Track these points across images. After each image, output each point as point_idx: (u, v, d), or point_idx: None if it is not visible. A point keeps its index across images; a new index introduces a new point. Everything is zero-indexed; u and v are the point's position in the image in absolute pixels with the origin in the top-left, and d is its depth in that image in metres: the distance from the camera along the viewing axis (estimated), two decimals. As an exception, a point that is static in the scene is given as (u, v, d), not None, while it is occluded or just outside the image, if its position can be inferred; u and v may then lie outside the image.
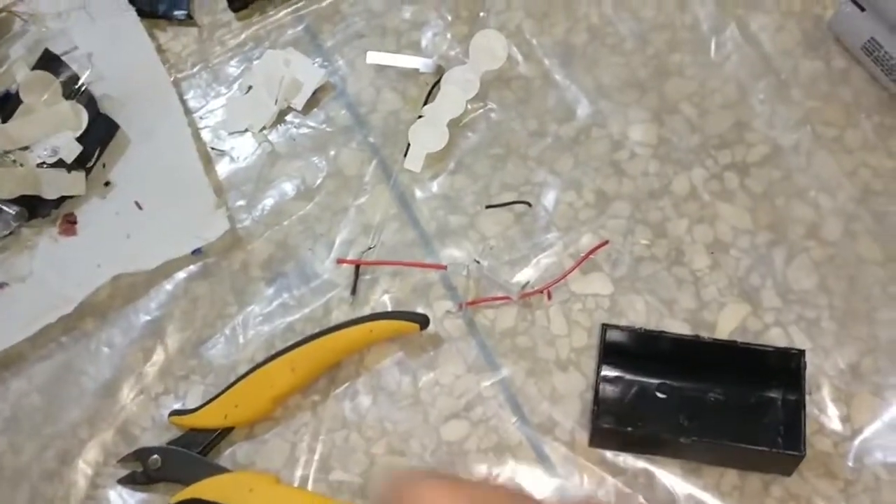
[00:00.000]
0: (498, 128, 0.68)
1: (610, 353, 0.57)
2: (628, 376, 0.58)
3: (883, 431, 0.56)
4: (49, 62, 0.72)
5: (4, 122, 0.71)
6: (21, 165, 0.70)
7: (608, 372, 0.58)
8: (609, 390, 0.57)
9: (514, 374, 0.61)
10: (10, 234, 0.70)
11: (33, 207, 0.70)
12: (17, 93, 0.72)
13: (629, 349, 0.58)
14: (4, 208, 0.69)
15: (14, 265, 0.69)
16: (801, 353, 0.55)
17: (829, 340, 0.59)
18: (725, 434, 0.55)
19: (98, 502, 0.60)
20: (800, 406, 0.54)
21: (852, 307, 0.60)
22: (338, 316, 0.64)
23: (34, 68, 0.72)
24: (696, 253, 0.63)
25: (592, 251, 0.63)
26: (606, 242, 0.63)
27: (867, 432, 0.57)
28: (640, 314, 0.61)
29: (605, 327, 0.57)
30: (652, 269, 0.63)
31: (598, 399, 0.55)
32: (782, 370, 0.56)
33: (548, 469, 0.58)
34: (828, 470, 0.56)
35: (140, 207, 0.69)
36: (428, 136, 0.67)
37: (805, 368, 0.55)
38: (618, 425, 0.55)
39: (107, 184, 0.71)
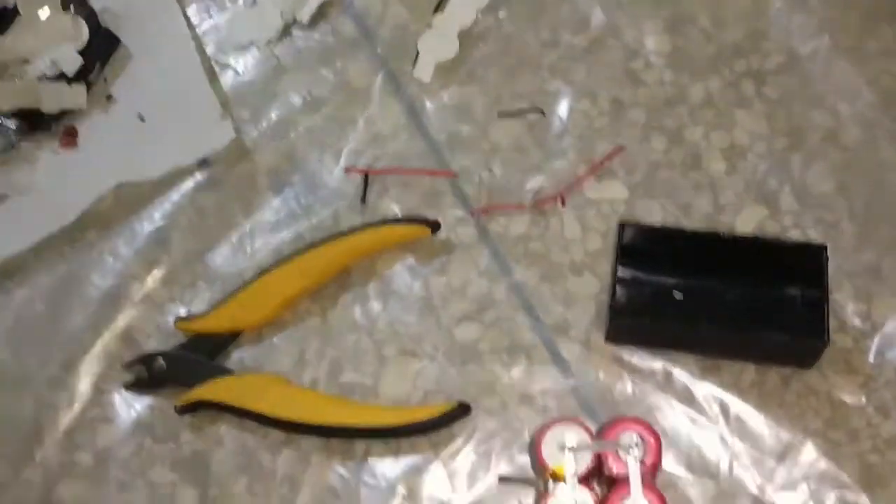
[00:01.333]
0: (509, 38, 0.67)
1: (627, 252, 0.56)
2: (646, 276, 0.57)
3: (904, 327, 0.55)
4: (49, -26, 0.71)
5: (2, 34, 0.69)
6: (20, 78, 0.68)
7: (626, 271, 0.56)
8: (627, 289, 0.56)
9: (527, 278, 0.60)
10: (11, 147, 0.68)
11: (34, 121, 0.68)
12: (14, 6, 0.70)
13: (646, 248, 0.56)
14: (4, 122, 0.68)
15: (15, 178, 0.67)
16: (823, 247, 0.54)
17: (849, 241, 0.58)
18: (746, 327, 0.53)
19: (103, 408, 0.59)
20: (821, 301, 0.53)
21: (872, 210, 0.59)
22: (346, 225, 0.63)
23: (34, -20, 0.71)
24: (713, 158, 0.62)
25: (608, 157, 0.62)
26: (622, 149, 0.62)
27: (888, 328, 0.56)
28: (656, 218, 0.60)
29: (622, 225, 0.56)
30: (668, 174, 0.62)
31: (615, 289, 0.54)
32: (802, 267, 0.55)
33: (563, 369, 0.57)
34: (848, 365, 0.55)
35: (143, 120, 0.68)
36: (438, 45, 0.66)
37: (827, 261, 0.54)
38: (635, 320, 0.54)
39: (109, 98, 0.70)
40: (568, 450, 0.48)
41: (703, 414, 0.55)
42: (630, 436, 0.48)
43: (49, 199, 0.66)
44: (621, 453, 0.48)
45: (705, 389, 0.55)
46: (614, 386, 0.56)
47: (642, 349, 0.56)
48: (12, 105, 0.68)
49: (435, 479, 0.55)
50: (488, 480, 0.54)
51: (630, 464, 0.47)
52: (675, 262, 0.56)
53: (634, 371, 0.56)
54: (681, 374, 0.56)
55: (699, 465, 0.53)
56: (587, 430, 0.49)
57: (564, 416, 0.53)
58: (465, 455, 0.55)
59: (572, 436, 0.48)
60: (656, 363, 0.56)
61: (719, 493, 0.53)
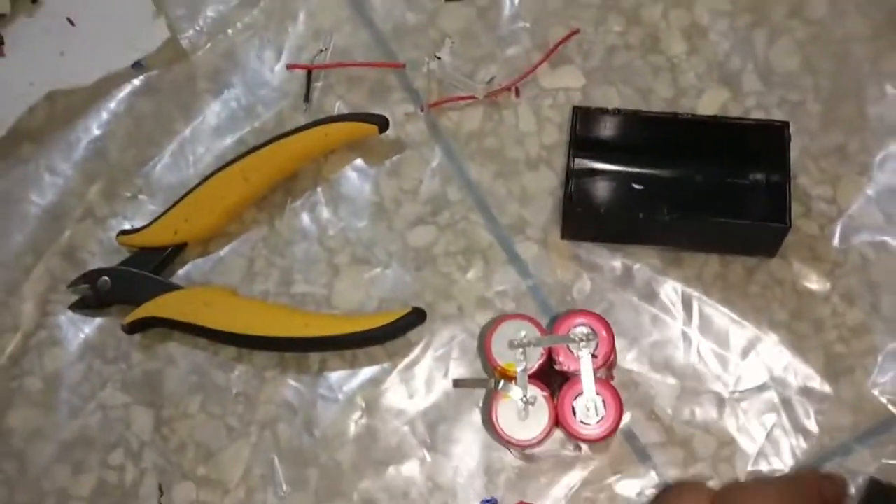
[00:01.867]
0: (455, -84, 0.63)
1: (582, 142, 0.53)
2: (603, 166, 0.54)
3: (869, 209, 0.54)
4: None
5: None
6: (-62, -17, 0.64)
7: (581, 163, 0.54)
8: (583, 182, 0.54)
9: (481, 175, 0.57)
10: (-66, 58, 0.64)
11: (-45, 29, 0.64)
12: None
13: (602, 137, 0.54)
14: (-76, 31, 0.64)
15: (-62, 92, 0.63)
16: (785, 124, 0.51)
17: (814, 122, 0.56)
18: (706, 217, 0.51)
19: (49, 330, 0.57)
20: (783, 184, 0.50)
21: (839, 86, 0.57)
22: (291, 126, 0.60)
23: None
24: (673, 39, 0.59)
25: (561, 41, 0.59)
26: (577, 32, 0.59)
27: (853, 210, 0.54)
28: (614, 105, 0.57)
29: (575, 110, 0.53)
30: (626, 58, 0.59)
31: (569, 185, 0.51)
32: (766, 148, 0.52)
33: (520, 269, 0.55)
34: (813, 252, 0.53)
35: (72, 24, 0.64)
36: (379, -72, 0.62)
37: (790, 139, 0.51)
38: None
39: (34, 1, 0.65)
40: (517, 345, 0.46)
41: (665, 310, 0.53)
42: (581, 329, 0.47)
43: (-22, 113, 0.63)
44: (572, 347, 0.46)
45: (667, 285, 0.54)
46: (573, 284, 0.54)
47: (601, 245, 0.54)
48: (-70, 13, 0.63)
49: (393, 389, 0.53)
50: (445, 386, 0.53)
51: (582, 358, 0.46)
52: (631, 149, 0.53)
53: (594, 268, 0.54)
54: (641, 270, 0.54)
55: (661, 363, 0.52)
56: (537, 325, 0.48)
57: (514, 313, 0.52)
58: (422, 363, 0.54)
59: (522, 331, 0.47)
60: (616, 260, 0.54)
61: (683, 391, 0.52)
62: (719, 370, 0.52)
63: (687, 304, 0.53)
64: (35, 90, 0.62)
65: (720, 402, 0.51)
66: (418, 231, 0.57)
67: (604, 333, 0.47)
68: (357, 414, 0.53)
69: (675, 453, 0.51)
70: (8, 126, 0.61)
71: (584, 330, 0.47)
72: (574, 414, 0.45)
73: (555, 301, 0.54)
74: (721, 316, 0.53)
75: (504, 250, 0.55)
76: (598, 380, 0.46)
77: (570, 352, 0.47)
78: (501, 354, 0.47)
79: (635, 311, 0.53)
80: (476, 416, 0.52)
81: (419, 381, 0.54)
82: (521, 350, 0.46)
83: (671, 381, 0.52)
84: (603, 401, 0.45)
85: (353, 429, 0.53)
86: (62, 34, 0.64)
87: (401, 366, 0.54)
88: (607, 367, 0.47)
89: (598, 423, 0.45)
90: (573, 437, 0.45)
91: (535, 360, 0.47)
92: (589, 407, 0.45)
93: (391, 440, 0.52)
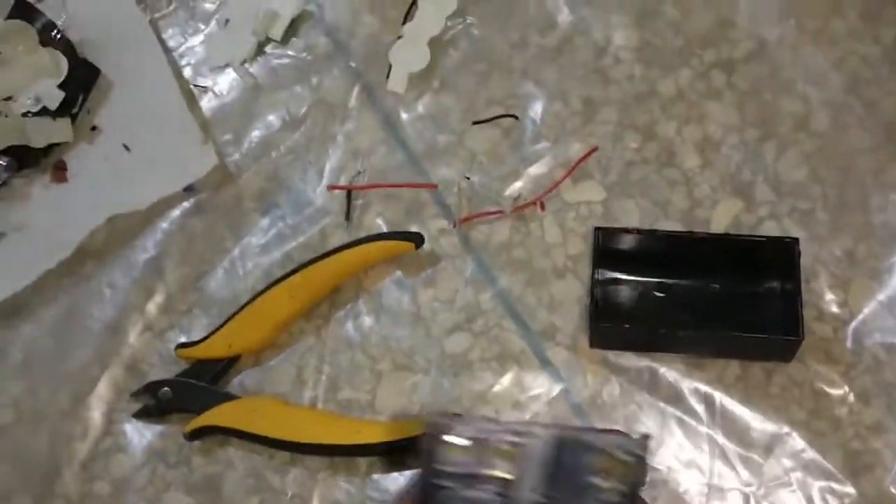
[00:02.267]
0: (480, 42, 0.68)
1: (605, 255, 0.58)
2: (625, 277, 0.58)
3: (881, 312, 0.57)
4: (23, 10, 0.72)
5: (-16, 74, 0.71)
6: (6, 116, 0.70)
7: (604, 274, 0.58)
8: (607, 292, 0.58)
9: (511, 285, 0.61)
10: (3, 185, 0.69)
11: (22, 157, 0.70)
12: (-7, 45, 0.71)
13: (624, 251, 0.58)
14: (-5, 160, 0.69)
15: (10, 215, 0.69)
16: (795, 240, 0.56)
17: (823, 229, 0.60)
18: (725, 326, 0.55)
19: (115, 437, 0.61)
20: (795, 296, 0.54)
21: (845, 196, 0.61)
22: (334, 242, 0.64)
23: (8, 18, 0.71)
24: (687, 153, 0.63)
25: (582, 159, 0.63)
26: (596, 149, 0.63)
27: (865, 314, 0.57)
28: (633, 218, 0.62)
29: (597, 230, 0.58)
30: (643, 172, 0.63)
31: (594, 298, 0.56)
32: (778, 260, 0.56)
33: (552, 374, 0.59)
34: (828, 355, 0.57)
35: (128, 149, 0.69)
36: (409, 55, 0.67)
37: (799, 255, 0.55)
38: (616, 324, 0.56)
39: (93, 128, 0.71)
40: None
41: (689, 412, 0.57)
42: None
43: (45, 234, 0.68)
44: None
45: (691, 386, 0.57)
46: (602, 388, 0.58)
47: (626, 353, 0.58)
48: (1, 143, 0.69)
49: None
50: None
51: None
52: (651, 263, 0.58)
53: (621, 372, 0.58)
54: (666, 373, 0.58)
55: (687, 461, 0.55)
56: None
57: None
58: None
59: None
60: (642, 363, 0.58)
61: (710, 488, 0.55)
62: (743, 468, 0.55)
63: (710, 405, 0.57)
64: (97, 213, 0.67)
65: (746, 498, 0.54)
66: (455, 338, 0.61)
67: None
68: (403, 515, 0.57)
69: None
70: (73, 247, 0.66)
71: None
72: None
73: (586, 404, 0.58)
74: (743, 416, 0.56)
75: (536, 356, 0.59)
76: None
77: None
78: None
79: (661, 413, 0.57)
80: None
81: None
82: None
83: (698, 478, 0.55)
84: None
85: (400, 529, 0.56)
86: (119, 159, 0.69)
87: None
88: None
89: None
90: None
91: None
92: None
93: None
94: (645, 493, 0.50)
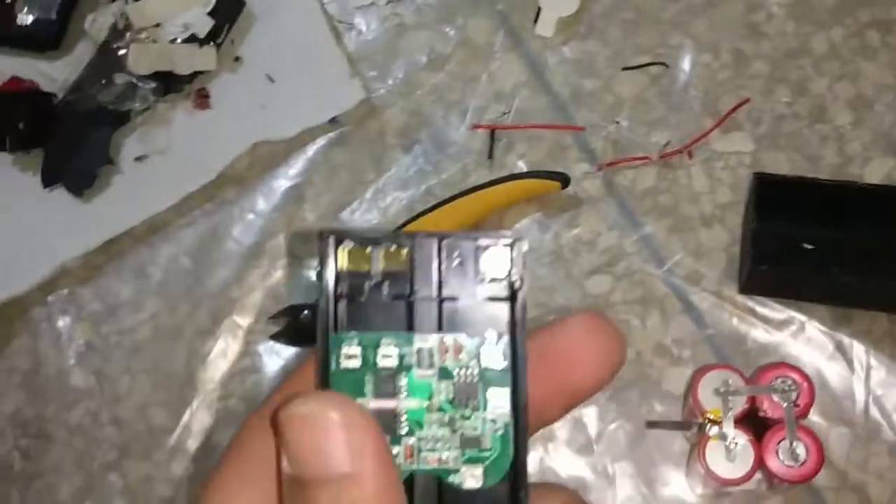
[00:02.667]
0: (630, -9, 0.68)
1: (763, 203, 0.57)
2: (781, 227, 0.58)
3: None
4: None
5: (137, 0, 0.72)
6: (154, 42, 0.71)
7: (763, 222, 0.58)
8: (764, 240, 0.57)
9: (656, 230, 0.62)
10: (147, 109, 0.71)
11: (167, 83, 0.71)
12: (146, -28, 0.72)
13: (780, 199, 0.58)
14: (141, 84, 0.71)
15: (153, 139, 0.70)
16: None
17: (978, 191, 0.59)
18: (878, 276, 0.55)
19: (252, 357, 0.62)
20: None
21: None
22: (475, 180, 0.65)
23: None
24: (839, 109, 0.63)
25: (734, 109, 0.63)
26: (748, 100, 0.63)
27: None
28: (783, 170, 0.61)
29: (757, 175, 0.57)
30: (794, 126, 0.63)
31: (754, 239, 0.55)
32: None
33: (696, 319, 0.59)
34: (982, 313, 0.56)
35: (272, 80, 0.70)
36: (559, 0, 0.67)
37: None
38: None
39: (237, 59, 0.72)
40: (723, 393, 0.50)
41: (836, 362, 0.56)
42: (784, 380, 0.50)
43: (187, 158, 0.69)
44: (776, 397, 0.50)
45: (837, 339, 0.57)
46: (748, 336, 0.58)
47: (774, 300, 0.58)
48: (148, 68, 0.70)
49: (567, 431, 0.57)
50: (628, 428, 0.57)
51: (785, 407, 0.49)
52: (808, 212, 0.57)
53: (767, 321, 0.58)
54: (813, 324, 0.57)
55: (833, 413, 0.55)
56: (741, 375, 0.51)
57: (718, 364, 0.55)
58: (603, 405, 0.58)
59: (728, 380, 0.51)
60: (789, 313, 0.58)
61: (855, 439, 0.55)
62: (891, 420, 0.55)
63: (857, 357, 0.56)
64: (241, 140, 0.68)
65: (893, 451, 0.54)
66: (596, 280, 0.61)
67: (805, 384, 0.50)
68: (542, 447, 0.57)
69: (850, 498, 0.54)
70: (215, 172, 0.67)
71: (788, 381, 0.50)
72: (778, 457, 0.49)
73: (730, 351, 0.58)
74: (889, 370, 0.56)
75: (680, 300, 0.59)
76: (800, 426, 0.49)
77: (773, 400, 0.50)
78: (708, 400, 0.51)
79: (807, 362, 0.56)
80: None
81: (604, 421, 0.57)
82: (727, 398, 0.50)
83: (844, 429, 0.55)
84: (805, 445, 0.49)
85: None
86: (262, 89, 0.70)
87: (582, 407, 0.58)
88: (803, 416, 0.51)
89: (801, 465, 0.49)
90: (776, 479, 0.49)
91: (740, 407, 0.50)
92: (795, 451, 0.48)
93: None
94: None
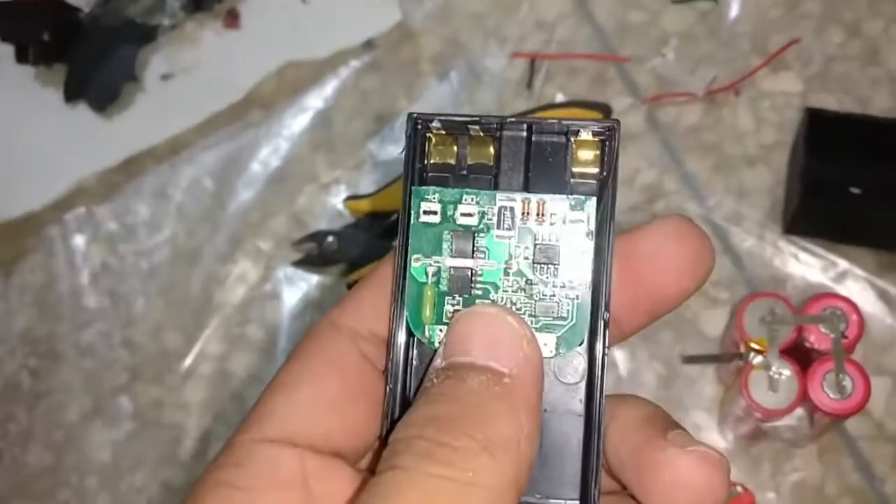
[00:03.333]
0: (680, -76, 0.65)
1: (814, 140, 0.55)
2: (829, 166, 0.56)
3: None
4: None
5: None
6: (185, -42, 0.69)
7: (813, 160, 0.55)
8: (814, 178, 0.55)
9: (698, 169, 0.59)
10: (175, 26, 0.68)
11: (197, 1, 0.69)
12: None
13: (831, 138, 0.55)
14: (170, 1, 0.68)
15: (180, 57, 0.68)
16: None
17: None
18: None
19: (272, 283, 0.61)
20: None
21: None
22: (512, 110, 0.63)
23: None
24: (893, 52, 0.60)
25: (783, 49, 0.60)
26: (797, 41, 0.61)
27: None
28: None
29: (809, 111, 0.55)
30: (844, 68, 0.60)
31: (803, 176, 0.53)
32: None
33: (734, 260, 0.57)
34: None
35: (304, 1, 0.68)
36: (607, -70, 0.65)
37: None
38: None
39: (269, -22, 0.69)
40: (769, 321, 0.48)
41: (878, 310, 0.54)
42: (834, 311, 0.48)
43: (214, 78, 0.67)
44: (825, 328, 0.48)
45: (881, 287, 0.55)
46: (788, 279, 0.56)
47: (817, 245, 0.56)
48: (175, -15, 0.68)
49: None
50: (660, 370, 0.55)
51: (833, 338, 0.47)
52: (859, 151, 0.55)
53: (809, 265, 0.56)
54: (857, 270, 0.55)
55: (874, 362, 0.53)
56: (788, 303, 0.49)
57: (766, 291, 0.53)
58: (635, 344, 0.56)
59: (774, 308, 0.48)
60: (832, 257, 0.56)
61: (895, 389, 0.53)
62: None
63: (899, 305, 0.54)
64: (270, 60, 0.66)
65: (936, 398, 0.52)
66: (633, 216, 0.59)
67: (854, 316, 0.48)
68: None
69: (886, 449, 0.52)
70: (243, 92, 0.65)
71: (837, 312, 0.48)
72: (824, 389, 0.47)
73: (768, 289, 0.55)
74: (936, 319, 0.54)
75: (719, 240, 0.57)
76: (847, 359, 0.47)
77: (821, 331, 0.48)
78: (753, 329, 0.48)
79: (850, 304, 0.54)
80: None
81: (621, 366, 0.55)
82: (773, 327, 0.48)
83: (883, 378, 0.53)
84: (852, 378, 0.47)
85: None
86: (295, 10, 0.68)
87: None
88: (851, 348, 0.49)
89: (847, 398, 0.46)
90: (820, 412, 0.47)
91: (786, 337, 0.48)
92: (842, 383, 0.46)
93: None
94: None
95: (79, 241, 0.64)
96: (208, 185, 0.64)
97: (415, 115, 0.26)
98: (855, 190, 0.56)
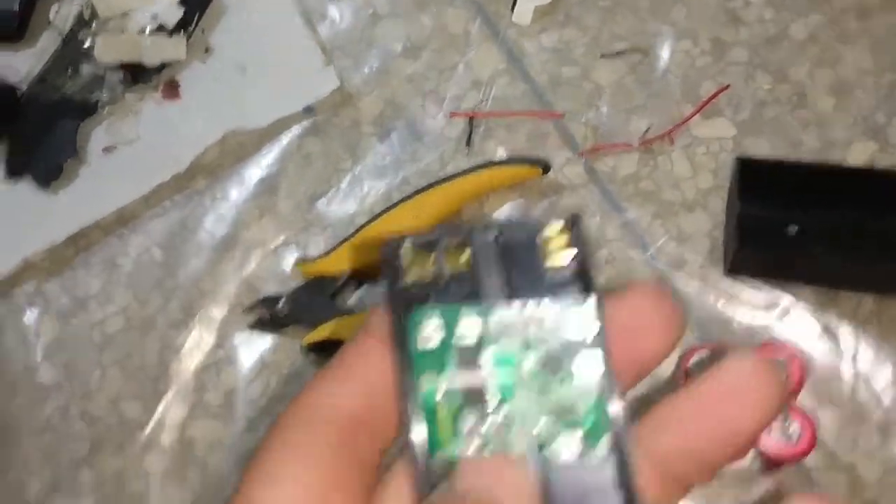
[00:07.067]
0: (607, -20, 0.68)
1: (747, 186, 0.57)
2: (766, 209, 0.57)
3: None
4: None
5: (104, -12, 0.70)
6: (122, 32, 0.69)
7: (747, 205, 0.57)
8: (750, 221, 0.57)
9: (639, 216, 0.61)
10: (115, 100, 0.69)
11: (135, 74, 0.69)
12: (114, -40, 0.71)
13: (764, 182, 0.57)
14: (108, 75, 0.69)
15: (121, 129, 0.68)
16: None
17: (959, 173, 0.59)
18: (863, 257, 0.54)
19: (227, 350, 0.61)
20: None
21: (981, 142, 0.60)
22: (453, 168, 0.64)
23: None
24: (819, 96, 0.62)
25: (714, 95, 0.62)
26: (727, 87, 0.63)
27: None
28: (765, 155, 0.61)
29: (740, 159, 0.57)
30: (774, 111, 0.62)
31: (739, 220, 0.55)
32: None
33: (681, 303, 0.58)
34: (967, 294, 0.56)
35: (244, 70, 0.69)
36: (536, -12, 0.67)
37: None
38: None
39: (207, 49, 0.70)
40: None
41: (823, 344, 0.56)
42: (776, 360, 0.50)
43: (156, 149, 0.67)
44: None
45: (824, 320, 0.56)
46: (734, 319, 0.57)
47: (758, 285, 0.57)
48: (115, 58, 0.69)
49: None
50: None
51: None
52: (791, 194, 0.57)
53: (753, 304, 0.57)
54: (799, 306, 0.57)
55: (822, 394, 0.55)
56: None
57: (705, 342, 0.55)
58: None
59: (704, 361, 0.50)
60: (775, 294, 0.57)
61: (843, 420, 0.54)
62: (879, 400, 0.54)
63: (843, 339, 0.56)
64: (212, 131, 0.66)
65: (882, 430, 0.54)
66: (579, 267, 0.60)
67: (797, 363, 0.49)
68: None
69: (839, 477, 0.53)
70: (186, 163, 0.66)
71: (780, 361, 0.50)
72: (771, 436, 0.48)
73: (717, 334, 0.57)
74: (877, 351, 0.55)
75: (665, 285, 0.59)
76: (791, 406, 0.48)
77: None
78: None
79: (794, 344, 0.56)
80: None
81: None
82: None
83: (831, 410, 0.54)
84: (799, 424, 0.48)
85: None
86: (234, 80, 0.69)
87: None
88: (795, 395, 0.50)
89: (794, 444, 0.48)
90: (770, 459, 0.48)
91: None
92: (788, 430, 0.48)
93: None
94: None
95: (30, 317, 0.64)
96: (157, 255, 0.64)
97: (388, 239, 0.27)
98: (792, 229, 0.57)
